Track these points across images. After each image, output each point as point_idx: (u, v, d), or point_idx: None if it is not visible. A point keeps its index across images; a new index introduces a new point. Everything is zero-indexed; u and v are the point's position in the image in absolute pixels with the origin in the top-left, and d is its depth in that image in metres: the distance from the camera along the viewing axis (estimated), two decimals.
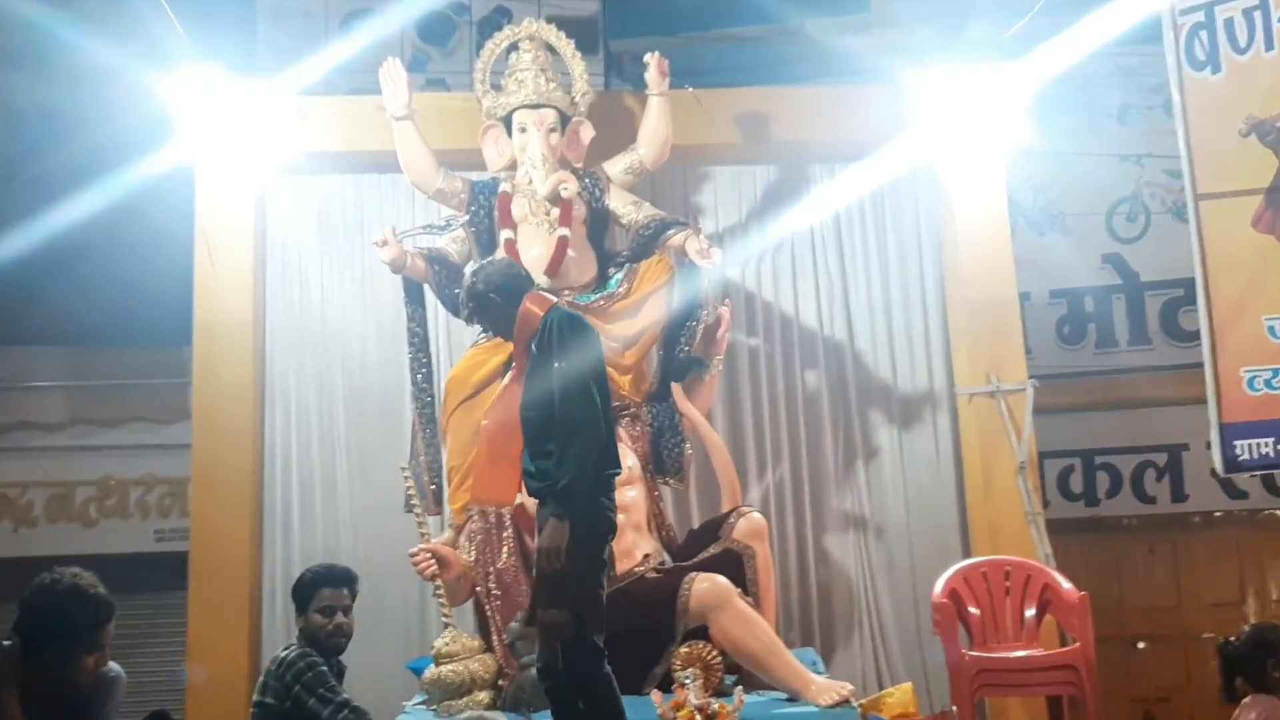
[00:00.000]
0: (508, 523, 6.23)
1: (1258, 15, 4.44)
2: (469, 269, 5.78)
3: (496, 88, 7.05)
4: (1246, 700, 4.67)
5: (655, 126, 7.04)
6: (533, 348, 4.75)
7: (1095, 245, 9.91)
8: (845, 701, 5.74)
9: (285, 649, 5.13)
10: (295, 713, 4.88)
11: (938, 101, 7.51)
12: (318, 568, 5.40)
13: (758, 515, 6.60)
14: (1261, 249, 4.31)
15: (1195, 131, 4.40)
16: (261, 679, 5.07)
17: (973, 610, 6.53)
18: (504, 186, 6.84)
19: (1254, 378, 4.21)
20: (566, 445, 4.54)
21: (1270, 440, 4.19)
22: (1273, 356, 4.20)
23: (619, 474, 4.87)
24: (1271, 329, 4.24)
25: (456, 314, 6.91)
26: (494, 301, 5.00)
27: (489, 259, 5.97)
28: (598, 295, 6.70)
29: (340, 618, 5.27)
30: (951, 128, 7.55)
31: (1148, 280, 9.82)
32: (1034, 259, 9.46)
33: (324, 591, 5.21)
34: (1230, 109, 4.44)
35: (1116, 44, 8.38)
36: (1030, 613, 6.56)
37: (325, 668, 5.02)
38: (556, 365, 4.62)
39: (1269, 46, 4.45)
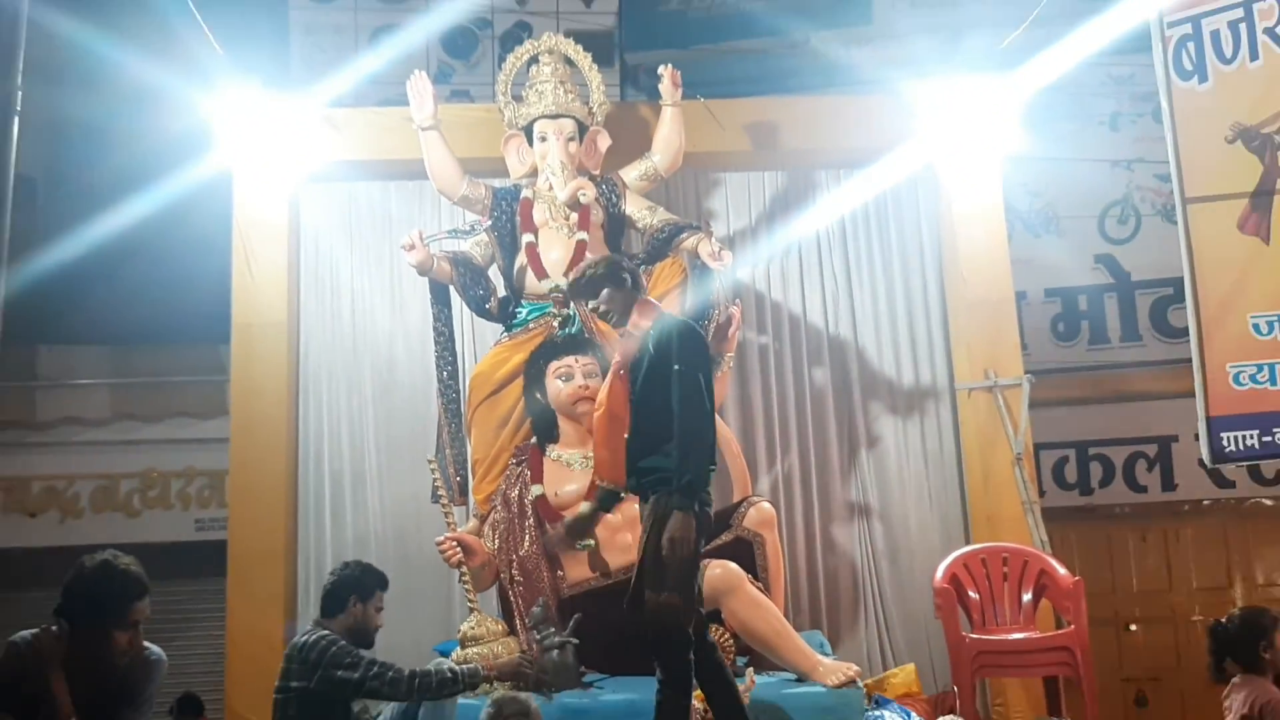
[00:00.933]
0: (529, 512, 6.25)
1: (1243, 27, 4.44)
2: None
3: (518, 99, 7.07)
4: (1236, 680, 4.67)
5: (668, 135, 7.04)
6: (650, 349, 4.77)
7: (1088, 246, 9.90)
8: (851, 682, 5.74)
9: (302, 635, 5.07)
10: (323, 689, 4.86)
11: (937, 110, 7.51)
12: (375, 570, 5.31)
13: (767, 505, 6.59)
14: (1247, 250, 4.31)
15: (1183, 138, 4.39)
16: (283, 666, 4.98)
17: (972, 595, 6.53)
18: (525, 193, 6.85)
19: (1239, 373, 4.20)
20: (688, 446, 4.60)
21: (1255, 432, 4.18)
22: (1258, 353, 4.20)
23: (715, 470, 4.91)
24: (1256, 327, 4.23)
25: (480, 314, 6.94)
26: (626, 284, 5.04)
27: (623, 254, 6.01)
28: None
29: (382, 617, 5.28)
30: (950, 135, 7.55)
31: (1138, 279, 9.81)
32: (1030, 260, 9.47)
33: (380, 593, 5.20)
34: (1217, 116, 4.43)
35: (1108, 54, 8.40)
36: (1027, 597, 6.55)
37: (346, 643, 5.00)
38: (676, 369, 4.65)
39: (1254, 57, 4.44)
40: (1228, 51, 4.44)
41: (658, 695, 4.70)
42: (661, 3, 10.15)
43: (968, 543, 7.09)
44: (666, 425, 4.64)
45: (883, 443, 7.64)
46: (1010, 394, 7.27)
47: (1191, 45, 4.45)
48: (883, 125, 7.67)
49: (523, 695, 4.46)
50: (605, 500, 5.32)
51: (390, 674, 4.82)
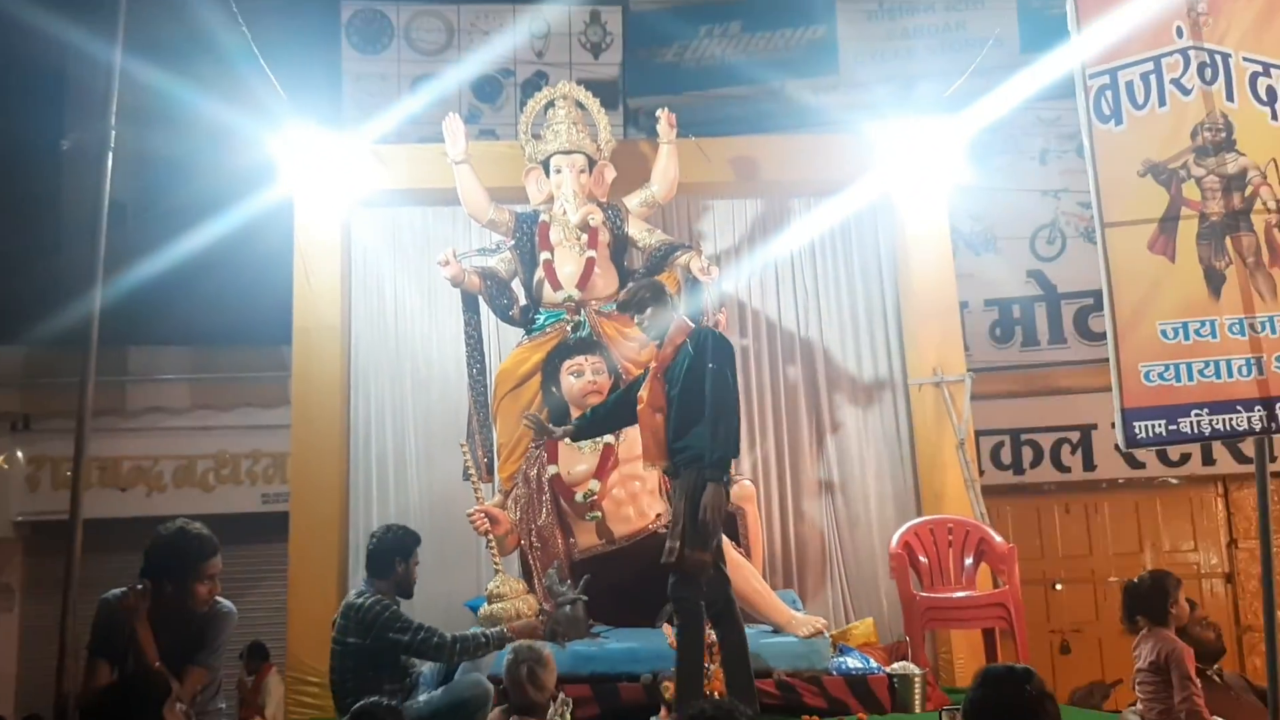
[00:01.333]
0: (546, 488, 6.27)
1: (1153, 78, 4.43)
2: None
3: (536, 137, 7.07)
4: (1145, 632, 4.68)
5: (665, 168, 7.05)
6: (689, 348, 4.91)
7: (1021, 263, 9.89)
8: (819, 633, 5.77)
9: (358, 596, 5.03)
10: (376, 646, 4.87)
11: (893, 147, 7.51)
12: (412, 531, 5.30)
13: (748, 482, 6.62)
14: (1156, 267, 4.30)
15: (1102, 171, 4.38)
16: (340, 623, 4.95)
17: (922, 559, 6.55)
18: (543, 217, 6.86)
19: (1149, 371, 4.20)
20: (718, 425, 4.75)
21: (1162, 422, 4.18)
22: (1164, 354, 4.20)
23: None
24: (1164, 332, 4.23)
25: (505, 320, 6.96)
26: (668, 304, 5.23)
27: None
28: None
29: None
30: (904, 168, 7.54)
31: (1064, 291, 9.80)
32: (972, 274, 9.48)
33: (417, 550, 5.20)
34: (1130, 153, 4.41)
35: (1038, 100, 8.40)
36: (969, 561, 6.57)
37: (397, 608, 5.01)
38: (710, 366, 4.81)
39: (1161, 104, 4.44)
40: (1140, 99, 4.42)
41: (678, 632, 4.82)
42: (658, 55, 10.14)
43: (918, 515, 7.09)
44: (700, 412, 4.78)
45: (845, 429, 7.64)
46: (954, 388, 7.27)
47: (1109, 93, 4.43)
48: (846, 160, 7.67)
49: (537, 644, 4.47)
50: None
51: (435, 639, 4.84)
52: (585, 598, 5.75)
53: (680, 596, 4.81)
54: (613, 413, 5.58)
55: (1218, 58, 4.45)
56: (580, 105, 7.07)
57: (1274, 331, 4.22)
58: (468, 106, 9.64)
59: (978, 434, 8.20)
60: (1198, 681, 4.46)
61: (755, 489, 6.73)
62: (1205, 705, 4.40)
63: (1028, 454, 9.74)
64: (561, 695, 4.43)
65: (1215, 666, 5.00)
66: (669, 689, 5.07)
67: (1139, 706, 4.65)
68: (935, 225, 7.66)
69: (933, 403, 7.33)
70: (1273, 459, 8.69)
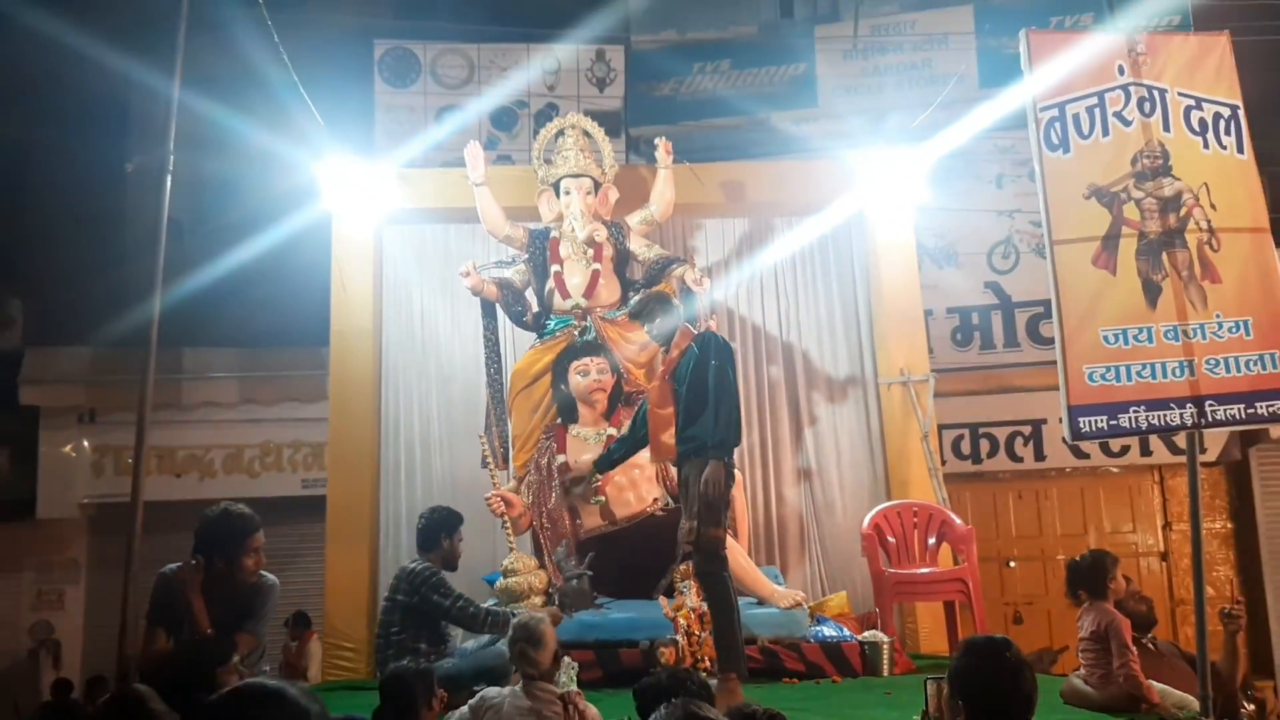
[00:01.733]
0: (556, 475, 6.27)
1: (1097, 111, 4.44)
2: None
3: (548, 162, 7.07)
4: (1086, 605, 4.68)
5: (662, 190, 7.06)
6: (694, 348, 4.89)
7: (979, 275, 9.87)
8: (798, 605, 5.78)
9: (412, 562, 5.09)
10: (421, 607, 4.90)
11: (866, 172, 7.51)
12: (455, 511, 5.32)
13: (736, 471, 6.61)
14: (1099, 280, 4.31)
15: (1051, 194, 4.39)
16: (393, 583, 5.06)
17: (890, 539, 6.54)
18: (554, 233, 6.86)
19: (1092, 372, 4.21)
20: (719, 414, 4.71)
21: (1104, 418, 4.18)
22: (1106, 358, 4.20)
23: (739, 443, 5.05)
24: (1106, 338, 4.23)
25: (519, 325, 6.97)
26: (674, 312, 5.26)
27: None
28: (621, 312, 6.73)
29: None
30: (875, 191, 7.54)
31: (1018, 300, 9.78)
32: (935, 285, 9.47)
33: (460, 528, 5.23)
34: (1077, 178, 4.42)
35: (994, 130, 8.42)
36: (932, 541, 6.57)
37: (443, 576, 5.04)
38: (713, 363, 4.79)
39: (1105, 134, 4.45)
40: (1085, 129, 4.43)
41: (709, 603, 4.78)
42: (657, 89, 10.14)
43: (887, 500, 7.09)
44: (704, 404, 4.75)
45: (822, 423, 7.63)
46: (919, 387, 7.28)
47: (1058, 125, 4.44)
48: (824, 183, 7.67)
49: (534, 622, 4.45)
50: (600, 464, 5.71)
51: (471, 609, 4.91)
52: (590, 573, 5.75)
53: (706, 572, 4.75)
54: (627, 445, 5.60)
55: (1155, 93, 4.46)
56: (587, 134, 7.07)
57: (1204, 337, 4.22)
58: (486, 134, 9.64)
59: (940, 428, 8.22)
60: (1134, 649, 4.46)
61: (742, 476, 6.72)
62: (1141, 670, 4.40)
63: (985, 445, 9.73)
64: (567, 659, 4.43)
65: (1150, 635, 4.99)
66: (666, 654, 5.07)
67: (1082, 671, 4.64)
68: (902, 241, 7.65)
69: (900, 400, 7.33)
70: (1203, 450, 8.74)
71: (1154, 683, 4.40)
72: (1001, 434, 9.70)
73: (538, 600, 5.83)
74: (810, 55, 10.00)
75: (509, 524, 6.13)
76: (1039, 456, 9.61)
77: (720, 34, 10.15)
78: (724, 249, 7.98)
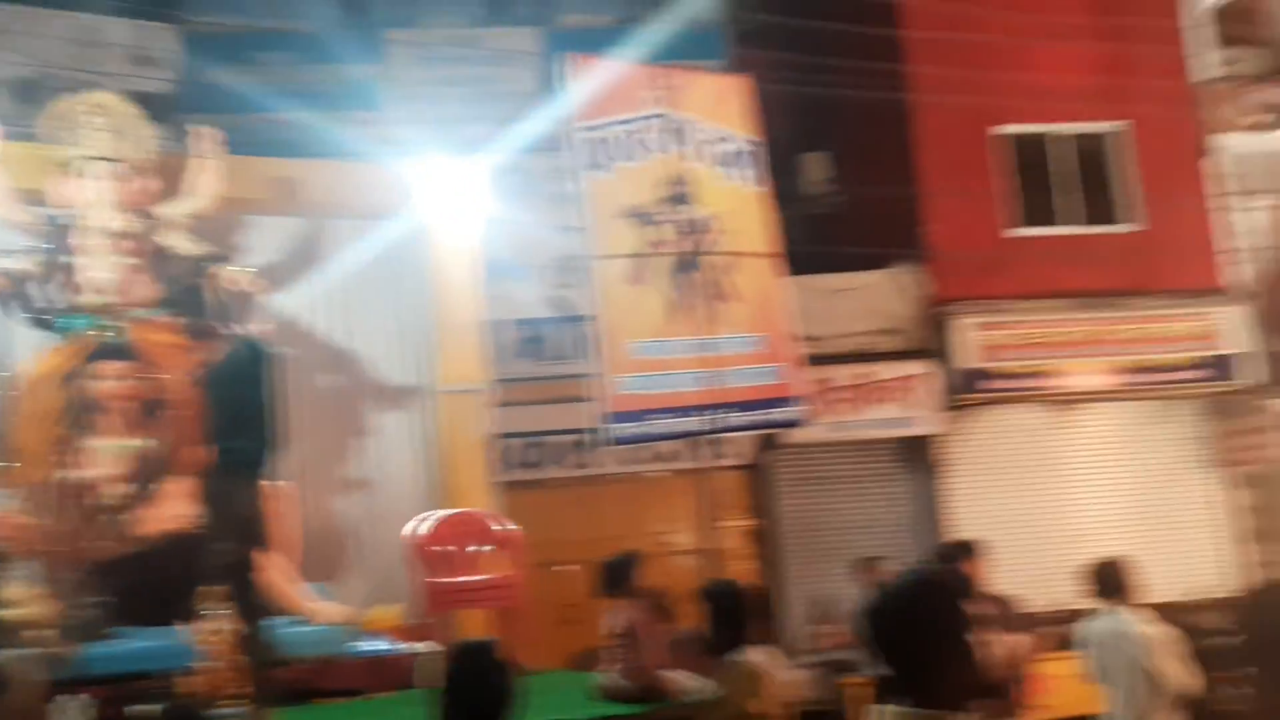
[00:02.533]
0: (70, 494, 5.60)
1: (631, 137, 4.75)
2: None
3: (69, 142, 6.30)
4: (615, 603, 4.90)
5: (208, 181, 6.61)
6: (234, 354, 4.70)
7: (547, 288, 10.10)
8: (345, 621, 5.60)
9: None
10: None
11: (429, 180, 7.47)
12: None
13: (283, 483, 6.28)
14: (632, 296, 4.59)
15: (592, 213, 4.62)
16: None
17: (437, 549, 6.46)
18: (80, 222, 6.12)
19: (624, 382, 4.47)
20: (258, 422, 4.42)
21: (635, 424, 4.46)
22: (634, 368, 4.49)
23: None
24: (635, 350, 4.51)
25: (34, 324, 6.15)
26: (210, 312, 5.33)
27: None
28: (155, 312, 6.18)
29: None
30: (440, 199, 7.50)
31: (580, 313, 10.10)
32: (506, 297, 9.56)
33: None
34: (616, 199, 4.69)
35: (554, 150, 8.66)
36: (485, 549, 6.59)
37: None
38: (248, 372, 4.53)
39: (640, 159, 4.79)
40: (622, 153, 4.71)
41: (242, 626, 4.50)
42: (213, 75, 9.43)
43: (442, 508, 7.04)
44: (242, 414, 4.46)
45: (378, 433, 7.50)
46: (479, 396, 7.34)
47: (599, 146, 4.68)
48: (387, 189, 7.52)
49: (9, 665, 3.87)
50: None
51: None
52: (102, 600, 5.18)
53: (239, 593, 4.51)
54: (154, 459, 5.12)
55: (683, 125, 4.83)
56: (125, 116, 6.43)
57: (720, 351, 4.62)
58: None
59: (505, 436, 8.31)
60: (655, 642, 4.75)
61: (291, 488, 6.39)
62: (663, 660, 4.70)
63: (546, 453, 9.97)
64: (84, 698, 3.91)
65: (682, 628, 5.32)
66: (192, 684, 4.68)
67: (618, 667, 4.87)
68: (467, 251, 7.68)
69: (459, 409, 7.35)
70: (726, 455, 9.53)
71: (669, 672, 4.70)
72: (563, 442, 9.99)
73: (47, 634, 5.13)
74: (378, 58, 9.81)
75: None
76: (595, 464, 10.00)
77: (287, 25, 9.67)
78: (279, 250, 7.59)
